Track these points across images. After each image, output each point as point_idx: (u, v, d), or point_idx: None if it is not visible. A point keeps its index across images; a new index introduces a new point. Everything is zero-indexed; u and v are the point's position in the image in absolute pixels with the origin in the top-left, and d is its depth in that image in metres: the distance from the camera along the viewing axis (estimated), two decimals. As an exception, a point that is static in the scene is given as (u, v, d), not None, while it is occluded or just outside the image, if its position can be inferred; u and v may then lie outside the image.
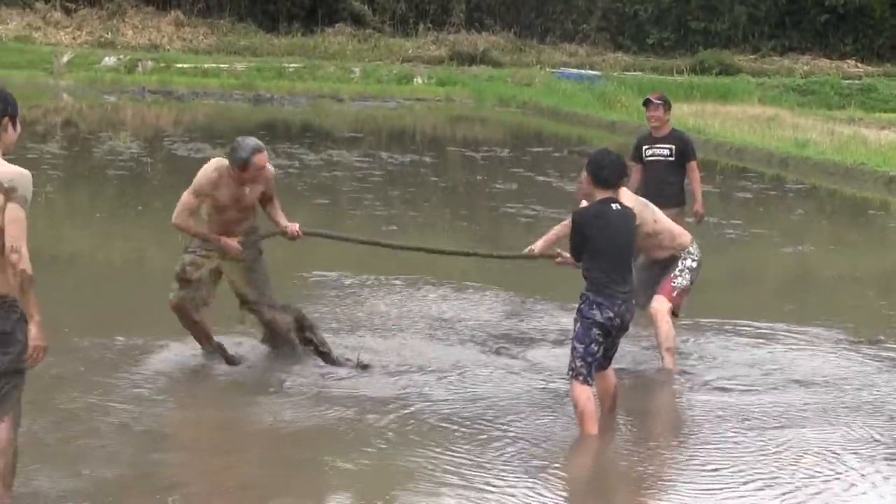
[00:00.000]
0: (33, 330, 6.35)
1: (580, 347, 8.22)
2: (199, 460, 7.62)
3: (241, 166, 9.07)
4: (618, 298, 8.19)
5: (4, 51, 41.30)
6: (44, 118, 29.63)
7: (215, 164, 9.27)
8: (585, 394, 8.25)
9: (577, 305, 8.30)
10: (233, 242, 9.23)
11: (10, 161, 6.39)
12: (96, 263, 13.89)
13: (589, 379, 8.25)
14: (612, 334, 8.29)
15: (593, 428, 8.26)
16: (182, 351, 9.73)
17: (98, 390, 8.84)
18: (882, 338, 11.60)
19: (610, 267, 8.20)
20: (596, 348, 8.21)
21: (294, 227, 9.49)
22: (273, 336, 9.69)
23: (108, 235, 15.84)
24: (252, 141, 9.20)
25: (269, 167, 9.38)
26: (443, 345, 10.42)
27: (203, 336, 9.54)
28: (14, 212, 6.20)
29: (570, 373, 8.31)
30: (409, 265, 12.99)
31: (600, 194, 8.29)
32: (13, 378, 6.42)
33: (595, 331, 8.18)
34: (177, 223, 9.25)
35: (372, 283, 12.69)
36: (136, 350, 9.77)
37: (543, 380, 9.62)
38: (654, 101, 13.03)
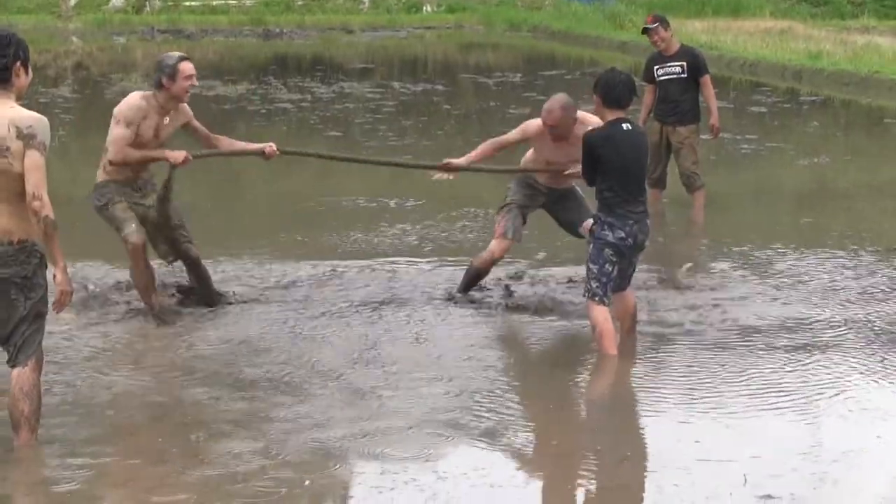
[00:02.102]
0: (58, 275, 6.40)
1: (594, 268, 8.26)
2: (220, 396, 7.65)
3: (170, 74, 8.86)
4: (629, 218, 8.20)
5: (11, -4, 41.16)
6: (54, 62, 29.58)
7: (140, 93, 9.06)
8: (602, 314, 8.29)
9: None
10: (179, 151, 9.02)
11: (23, 106, 6.41)
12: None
13: (605, 299, 8.28)
14: (625, 254, 8.29)
15: (612, 348, 8.29)
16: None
17: (116, 328, 8.89)
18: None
19: (621, 187, 8.18)
20: (610, 268, 8.24)
21: (271, 146, 9.40)
22: (197, 277, 9.50)
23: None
24: (176, 52, 9.17)
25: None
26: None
27: (152, 285, 9.26)
28: (34, 158, 6.23)
29: (587, 294, 8.35)
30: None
31: (611, 115, 8.24)
32: (35, 322, 6.48)
33: (608, 251, 8.21)
34: (119, 159, 8.91)
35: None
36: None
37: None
38: (649, 26, 13.00)
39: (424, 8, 43.30)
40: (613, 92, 8.21)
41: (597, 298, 8.27)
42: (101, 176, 9.11)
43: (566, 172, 9.27)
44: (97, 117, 21.20)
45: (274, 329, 8.95)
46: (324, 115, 20.87)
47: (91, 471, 6.51)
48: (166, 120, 9.04)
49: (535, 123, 9.33)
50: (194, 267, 9.43)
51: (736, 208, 13.79)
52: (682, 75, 12.83)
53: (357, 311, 9.38)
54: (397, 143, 17.92)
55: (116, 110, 8.94)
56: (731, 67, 27.66)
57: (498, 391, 7.79)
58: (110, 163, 8.99)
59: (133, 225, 9.00)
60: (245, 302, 9.60)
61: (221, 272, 10.21)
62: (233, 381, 7.89)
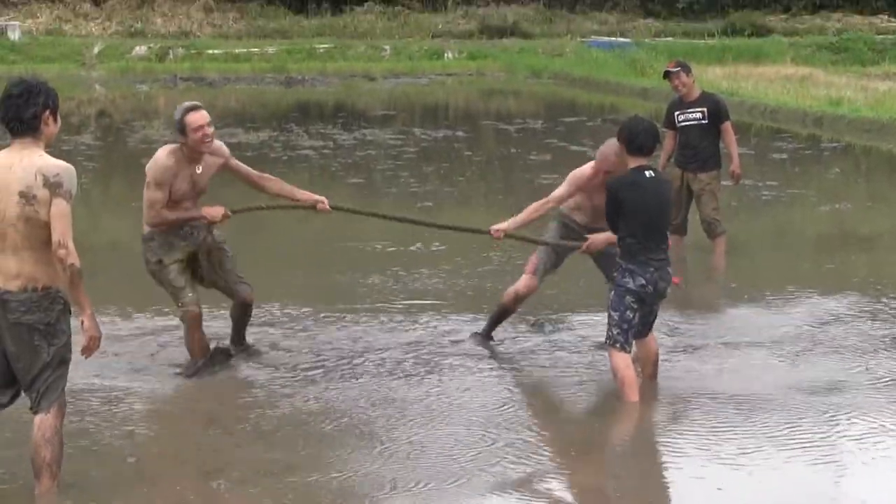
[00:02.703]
0: (86, 322, 6.43)
1: (615, 315, 8.28)
2: (240, 443, 7.65)
3: (180, 129, 8.65)
4: (650, 265, 8.22)
5: (36, 45, 41.44)
6: (77, 110, 29.78)
7: (168, 149, 8.80)
8: (624, 361, 8.30)
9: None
10: (217, 208, 8.87)
11: (46, 153, 6.46)
12: (135, 252, 13.93)
13: (626, 346, 8.30)
14: (646, 301, 8.31)
15: (634, 395, 8.29)
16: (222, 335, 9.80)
17: (139, 376, 8.91)
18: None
19: (643, 234, 8.21)
20: (631, 315, 8.25)
21: (323, 202, 9.20)
22: (239, 317, 9.34)
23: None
24: (186, 103, 8.85)
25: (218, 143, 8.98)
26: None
27: (207, 351, 9.08)
28: (60, 206, 6.27)
29: (608, 341, 8.37)
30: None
31: (634, 162, 8.27)
32: (59, 368, 6.51)
33: (629, 298, 8.23)
34: (156, 222, 8.75)
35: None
36: (177, 336, 9.83)
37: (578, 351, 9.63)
38: (671, 70, 13.02)
39: (446, 55, 43.46)
40: (637, 139, 8.24)
41: (618, 346, 8.29)
42: (146, 230, 8.90)
43: (582, 249, 9.23)
44: (120, 165, 21.42)
45: (294, 376, 8.95)
46: (345, 162, 20.93)
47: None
48: (199, 169, 8.79)
49: (584, 172, 9.24)
50: (244, 308, 9.26)
51: (757, 254, 13.76)
52: (703, 121, 12.85)
53: (379, 358, 9.36)
54: (418, 189, 17.96)
55: (148, 173, 8.75)
56: (752, 114, 27.67)
57: (521, 438, 7.77)
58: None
59: (190, 294, 8.86)
60: (265, 348, 9.60)
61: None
62: (253, 428, 7.89)
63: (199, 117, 8.66)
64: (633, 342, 8.43)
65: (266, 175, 9.28)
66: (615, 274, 8.35)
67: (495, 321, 9.82)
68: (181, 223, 8.84)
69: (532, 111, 30.71)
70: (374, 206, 13.50)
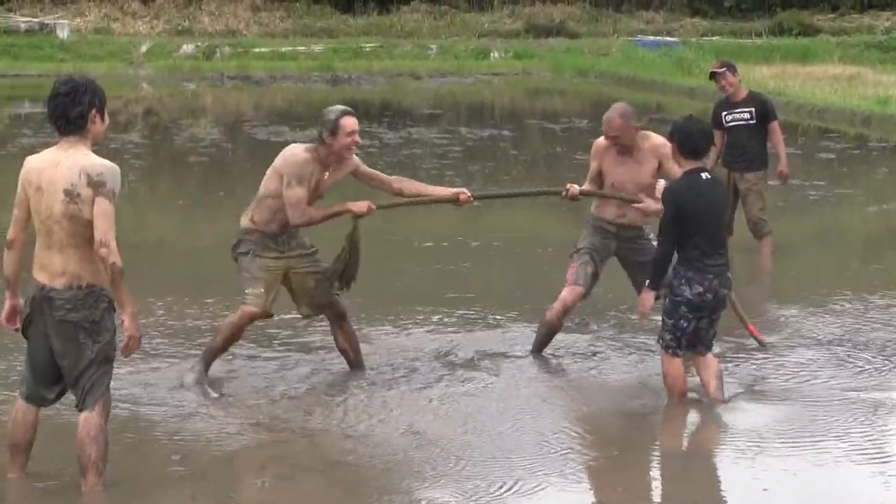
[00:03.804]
0: (127, 321, 6.45)
1: (669, 322, 8.08)
2: (285, 441, 7.67)
3: (332, 129, 8.38)
4: (709, 272, 7.95)
5: (85, 43, 41.70)
6: (125, 108, 29.92)
7: (302, 147, 8.60)
8: (675, 367, 8.16)
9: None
10: (362, 202, 8.59)
11: (94, 152, 6.49)
12: (181, 250, 14.02)
13: (679, 351, 8.11)
14: (703, 309, 8.03)
15: (681, 401, 8.20)
16: (270, 332, 9.83)
17: (186, 378, 8.92)
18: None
19: (702, 239, 7.94)
20: (685, 324, 8.03)
21: (465, 192, 9.00)
22: (345, 336, 9.03)
23: (192, 221, 15.98)
24: (340, 106, 8.62)
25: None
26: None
27: (227, 349, 8.90)
28: (102, 205, 6.29)
29: (660, 342, 8.23)
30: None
31: (688, 164, 8.03)
32: (103, 366, 6.53)
33: (683, 308, 8.00)
34: (303, 222, 8.46)
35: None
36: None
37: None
38: (717, 71, 12.95)
39: (492, 54, 43.44)
40: (691, 141, 7.98)
41: (670, 351, 8.13)
42: (246, 223, 8.63)
43: (636, 206, 9.05)
44: (167, 163, 21.52)
45: (346, 379, 8.94)
46: (391, 161, 20.92)
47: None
48: (326, 175, 8.57)
49: (598, 141, 9.24)
50: (340, 322, 8.96)
51: (804, 254, 13.68)
52: (751, 121, 12.77)
53: (428, 364, 9.32)
54: (464, 187, 17.89)
55: (284, 170, 8.46)
56: (799, 113, 27.51)
57: (568, 438, 7.75)
58: (268, 222, 8.57)
59: (262, 289, 8.57)
60: (308, 350, 9.62)
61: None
62: (300, 427, 7.90)
63: (354, 122, 8.48)
64: (691, 355, 8.25)
65: (399, 178, 9.03)
66: (673, 281, 8.04)
67: (543, 341, 9.52)
68: (327, 220, 8.61)
69: (578, 110, 30.65)
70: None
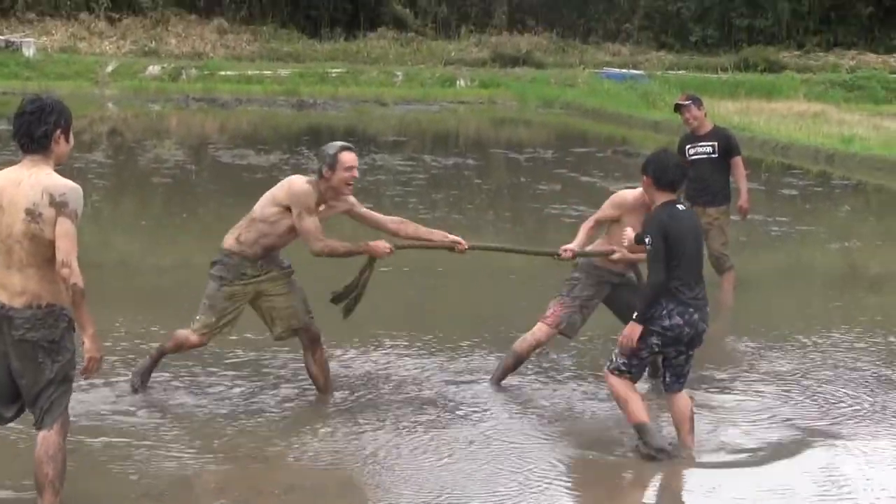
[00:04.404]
0: (87, 342, 6.40)
1: (628, 349, 7.83)
2: (242, 465, 7.64)
3: (331, 164, 8.45)
4: (690, 306, 7.77)
5: (51, 62, 41.61)
6: (90, 128, 29.83)
7: (304, 179, 8.62)
8: (623, 383, 7.87)
9: None
10: (382, 243, 8.68)
11: (57, 171, 6.46)
12: (143, 270, 13.96)
13: (627, 375, 7.86)
14: (678, 344, 7.83)
15: (641, 413, 7.89)
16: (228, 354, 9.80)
17: (143, 395, 8.88)
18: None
19: (685, 272, 7.78)
20: (646, 355, 7.87)
21: (461, 244, 8.96)
22: (316, 360, 9.02)
23: (155, 242, 15.92)
24: (339, 142, 8.71)
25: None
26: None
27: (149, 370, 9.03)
28: (65, 226, 6.26)
29: (609, 365, 7.96)
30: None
31: (663, 197, 7.91)
32: (62, 385, 6.49)
33: (654, 339, 7.77)
34: (323, 249, 8.50)
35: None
36: (190, 353, 9.83)
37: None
38: (682, 103, 12.99)
39: (458, 82, 43.56)
40: (667, 174, 7.88)
41: (616, 372, 7.90)
42: (230, 243, 8.70)
43: (615, 257, 8.97)
44: (131, 183, 21.44)
45: (310, 405, 8.94)
46: (355, 187, 20.81)
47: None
48: (321, 208, 8.63)
49: (632, 194, 8.92)
50: (314, 347, 8.95)
51: (765, 290, 13.73)
52: (714, 155, 12.81)
53: (393, 390, 9.33)
54: (427, 216, 17.92)
55: (291, 201, 8.49)
56: (763, 149, 27.67)
57: (549, 468, 7.75)
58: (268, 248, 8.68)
59: (213, 319, 8.68)
60: (271, 375, 9.59)
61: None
62: (258, 451, 7.87)
63: (353, 157, 8.55)
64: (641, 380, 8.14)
65: (397, 219, 9.07)
66: (652, 311, 7.78)
67: (507, 371, 9.47)
68: (348, 255, 8.73)
69: (543, 141, 30.74)
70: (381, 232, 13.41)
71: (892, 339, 11.36)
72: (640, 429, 7.90)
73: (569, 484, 7.63)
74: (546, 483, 7.52)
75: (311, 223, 8.44)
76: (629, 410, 7.92)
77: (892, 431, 8.75)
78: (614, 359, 7.96)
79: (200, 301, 8.77)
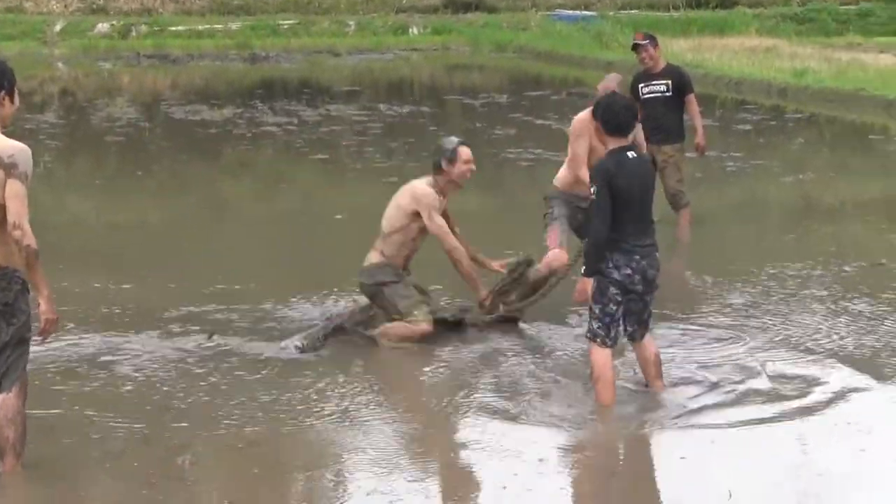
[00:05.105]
0: (43, 304, 6.39)
1: (596, 308, 7.74)
2: (202, 424, 7.64)
3: (450, 158, 9.10)
4: (636, 253, 7.66)
5: (-3, 23, 41.22)
6: (40, 88, 29.60)
7: (424, 182, 9.24)
8: (603, 358, 7.78)
9: None
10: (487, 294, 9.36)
11: (8, 133, 6.42)
12: (98, 230, 13.92)
13: (608, 341, 7.76)
14: (632, 293, 7.73)
15: (607, 397, 7.80)
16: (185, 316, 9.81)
17: (100, 355, 8.88)
18: (884, 261, 11.65)
19: (628, 219, 7.64)
20: (614, 308, 7.71)
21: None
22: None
23: (109, 201, 15.86)
24: (453, 137, 9.41)
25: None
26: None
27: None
28: (15, 187, 6.23)
29: (588, 334, 7.89)
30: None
31: (613, 142, 7.77)
32: (18, 348, 6.47)
33: (612, 290, 7.67)
34: (453, 247, 9.15)
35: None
36: (147, 312, 9.83)
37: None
38: (640, 42, 12.98)
39: (411, 30, 43.38)
40: (616, 118, 7.74)
41: (598, 340, 7.77)
42: (376, 258, 9.27)
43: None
44: (83, 143, 21.31)
45: (270, 372, 8.96)
46: (310, 139, 20.88)
47: (78, 494, 6.55)
48: (445, 202, 9.31)
49: (582, 117, 9.52)
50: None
51: (721, 226, 13.80)
52: (668, 94, 12.82)
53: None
54: (383, 164, 17.93)
55: (419, 205, 9.09)
56: (716, 86, 27.74)
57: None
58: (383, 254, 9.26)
59: (426, 308, 9.17)
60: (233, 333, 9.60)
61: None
62: (220, 411, 7.89)
63: (469, 152, 9.20)
64: (621, 338, 7.94)
65: (463, 238, 9.44)
66: (600, 265, 7.74)
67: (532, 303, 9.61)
68: (465, 275, 9.30)
69: (497, 85, 30.69)
70: (339, 181, 13.41)
71: (846, 268, 11.45)
72: (599, 410, 7.82)
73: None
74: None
75: (441, 221, 9.12)
76: (597, 389, 7.85)
77: (841, 356, 8.81)
78: (590, 325, 7.86)
79: (395, 308, 9.14)
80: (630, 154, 7.74)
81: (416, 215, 9.12)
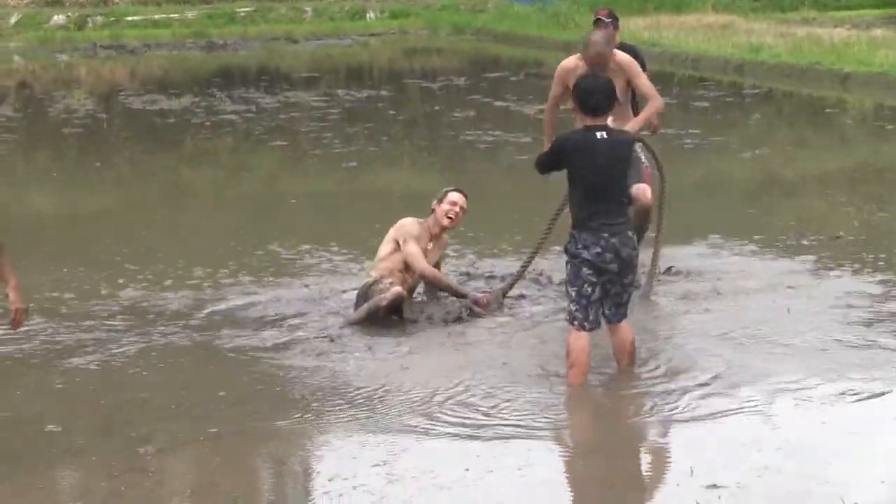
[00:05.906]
0: (11, 294, 6.40)
1: (572, 291, 7.73)
2: (164, 416, 7.65)
3: (440, 198, 9.53)
4: (604, 231, 7.63)
5: (-50, 17, 40.91)
6: (-4, 82, 29.49)
7: (412, 218, 9.57)
8: (580, 343, 7.74)
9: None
10: (484, 299, 9.48)
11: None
12: (58, 221, 13.88)
13: (586, 324, 7.72)
14: (606, 272, 7.69)
15: (578, 379, 7.79)
16: (155, 301, 9.81)
17: (62, 346, 8.87)
18: (841, 234, 11.74)
19: (594, 198, 7.65)
20: (590, 290, 7.67)
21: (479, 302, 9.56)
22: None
23: (68, 193, 15.81)
24: (452, 187, 9.78)
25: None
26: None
27: None
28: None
29: (567, 317, 7.88)
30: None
31: (585, 121, 7.78)
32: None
33: (585, 270, 7.65)
34: (424, 269, 9.46)
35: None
36: (109, 303, 9.83)
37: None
38: (604, 19, 12.91)
39: (368, 15, 43.27)
40: (591, 99, 7.72)
41: (576, 323, 7.73)
42: (374, 273, 9.47)
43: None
44: (41, 135, 21.21)
45: (227, 360, 8.96)
46: (269, 126, 20.84)
47: (38, 487, 6.56)
48: (430, 245, 9.60)
49: (566, 64, 9.80)
50: None
51: (681, 203, 13.82)
52: (622, 72, 12.83)
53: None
54: (343, 150, 17.93)
55: (399, 232, 9.48)
56: (673, 63, 27.82)
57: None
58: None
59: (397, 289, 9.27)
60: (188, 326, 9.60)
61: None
62: (182, 404, 7.89)
63: (459, 197, 9.60)
64: (602, 322, 7.89)
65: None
66: (568, 245, 7.79)
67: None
68: (449, 289, 9.71)
69: (455, 68, 30.67)
70: (299, 166, 13.36)
71: (804, 241, 11.53)
72: (568, 392, 7.81)
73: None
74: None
75: (414, 247, 9.43)
76: (569, 373, 7.83)
77: (799, 328, 8.88)
78: (568, 308, 7.86)
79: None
80: (599, 134, 7.71)
81: (398, 245, 9.46)
